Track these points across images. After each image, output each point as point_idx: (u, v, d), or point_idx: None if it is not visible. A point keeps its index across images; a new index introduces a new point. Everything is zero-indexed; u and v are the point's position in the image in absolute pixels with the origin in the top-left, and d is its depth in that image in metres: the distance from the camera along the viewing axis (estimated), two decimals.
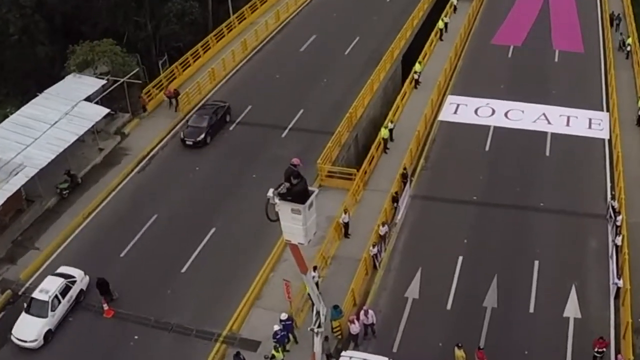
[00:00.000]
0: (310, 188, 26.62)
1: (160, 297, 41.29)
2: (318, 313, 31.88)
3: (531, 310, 39.35)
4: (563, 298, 39.90)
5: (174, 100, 60.33)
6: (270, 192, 26.07)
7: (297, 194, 25.89)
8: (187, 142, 55.09)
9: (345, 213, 44.86)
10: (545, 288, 40.72)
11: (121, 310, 40.46)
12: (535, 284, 40.99)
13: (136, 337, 38.89)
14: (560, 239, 44.83)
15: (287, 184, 25.85)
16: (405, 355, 36.91)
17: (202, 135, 55.03)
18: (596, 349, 35.50)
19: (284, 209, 26.29)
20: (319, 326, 31.91)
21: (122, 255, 44.67)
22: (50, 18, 69.25)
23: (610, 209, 45.32)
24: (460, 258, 43.08)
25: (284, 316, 36.74)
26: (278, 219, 26.79)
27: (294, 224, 26.59)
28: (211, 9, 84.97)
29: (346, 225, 45.06)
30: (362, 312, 37.49)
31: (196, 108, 59.77)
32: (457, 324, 38.64)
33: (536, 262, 42.52)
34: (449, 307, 39.89)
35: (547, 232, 45.37)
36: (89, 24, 71.20)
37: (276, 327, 36.08)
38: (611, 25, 75.61)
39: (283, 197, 26.01)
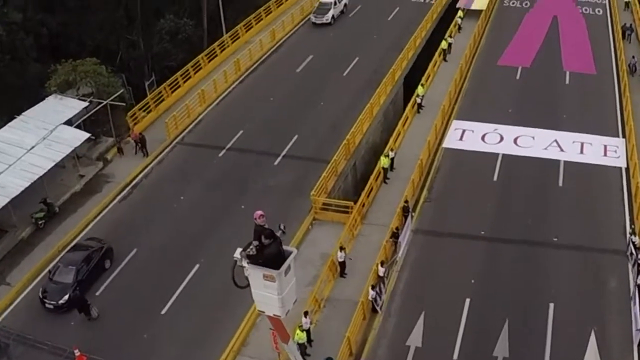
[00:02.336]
0: (287, 248, 22.57)
1: (136, 341, 37.62)
2: None
3: (547, 359, 35.54)
4: (582, 345, 36.17)
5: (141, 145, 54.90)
6: (237, 253, 22.09)
7: (270, 258, 21.89)
8: (47, 305, 39.97)
9: (342, 251, 41.11)
10: (562, 334, 36.96)
11: (94, 356, 36.54)
12: (550, 330, 37.23)
13: None
14: (577, 278, 41.14)
15: (257, 243, 21.85)
16: None
17: (66, 297, 39.71)
18: None
19: (255, 275, 22.29)
20: None
21: (97, 293, 41.14)
22: (37, 35, 66.16)
23: (631, 245, 41.87)
24: (468, 301, 39.31)
25: None
26: (248, 285, 22.79)
27: (267, 292, 22.54)
28: (206, 27, 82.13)
29: (342, 264, 41.31)
30: None
31: (65, 250, 44.26)
32: None
33: (551, 305, 38.77)
34: (455, 356, 36.02)
35: (563, 271, 41.66)
36: (77, 41, 68.06)
37: None
38: (623, 37, 73.25)
39: (253, 260, 21.99)
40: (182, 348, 37.17)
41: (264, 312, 23.31)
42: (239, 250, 22.04)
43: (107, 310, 39.71)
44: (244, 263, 22.02)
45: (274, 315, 23.20)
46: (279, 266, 21.81)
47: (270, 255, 21.66)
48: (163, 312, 39.58)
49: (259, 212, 22.08)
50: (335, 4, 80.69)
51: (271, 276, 21.88)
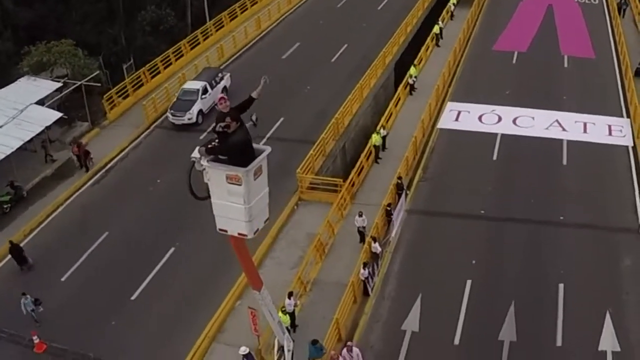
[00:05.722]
0: (258, 146, 18.33)
1: (102, 329, 34.27)
2: (281, 348, 23.22)
3: (559, 343, 32.26)
4: (597, 327, 32.92)
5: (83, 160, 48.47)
6: (195, 152, 17.87)
7: (235, 148, 17.29)
8: None
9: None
10: (574, 316, 33.73)
11: (55, 344, 33.48)
12: (561, 312, 33.97)
13: None
14: (588, 258, 37.93)
15: (223, 125, 17.40)
16: None
17: None
18: None
19: (216, 179, 17.87)
20: None
21: (63, 279, 37.92)
22: (15, 29, 63.16)
23: None
24: (469, 282, 35.96)
25: (243, 350, 29.35)
26: (209, 196, 18.42)
27: (231, 201, 17.85)
28: (190, 21, 79.12)
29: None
30: (344, 350, 30.07)
31: None
32: None
33: (561, 286, 35.51)
34: (456, 341, 32.71)
35: (571, 250, 38.47)
36: (56, 35, 64.97)
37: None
38: (618, 12, 72.73)
39: (213, 153, 17.48)
40: (152, 335, 33.90)
41: (225, 231, 18.62)
42: (198, 148, 17.78)
43: (73, 296, 36.54)
44: (203, 162, 17.63)
45: (239, 234, 18.52)
46: (248, 163, 17.50)
47: (237, 145, 17.07)
48: (133, 297, 36.36)
49: (220, 95, 17.70)
50: (204, 92, 54.05)
51: (236, 177, 17.19)
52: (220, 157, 17.47)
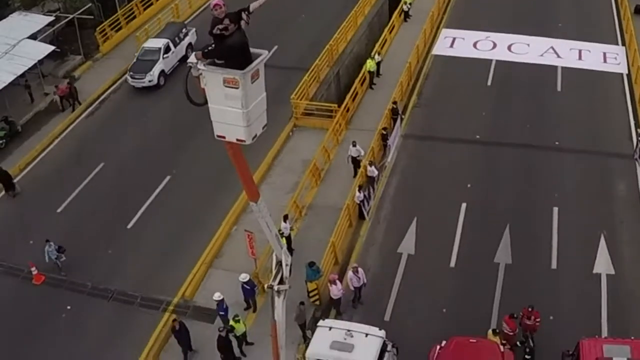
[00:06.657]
0: (256, 50, 17.82)
1: (99, 258, 34.49)
2: (279, 263, 22.69)
3: (553, 266, 32.47)
4: (591, 251, 33.10)
5: (67, 101, 47.30)
6: (192, 57, 17.33)
7: (233, 50, 16.68)
8: None
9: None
10: (569, 239, 33.87)
11: (53, 274, 33.55)
12: (556, 235, 34.11)
13: (69, 307, 32.19)
14: (582, 182, 38.05)
15: (221, 28, 16.72)
16: (400, 325, 29.81)
17: None
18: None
19: (214, 83, 17.33)
20: (281, 282, 22.66)
21: (59, 210, 38.01)
22: None
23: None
24: (464, 205, 36.14)
25: (243, 277, 29.45)
26: (206, 102, 17.97)
27: (228, 106, 17.50)
28: None
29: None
30: (350, 271, 30.29)
31: None
32: (464, 285, 31.82)
33: (555, 209, 35.63)
34: (452, 264, 32.96)
35: (566, 175, 38.57)
36: None
37: (217, 297, 29.07)
38: None
39: (210, 56, 16.22)
40: (149, 262, 34.08)
41: (223, 137, 18.04)
42: (195, 52, 17.34)
43: (69, 227, 36.55)
44: (200, 66, 17.12)
45: (237, 140, 18.04)
46: (245, 65, 17.09)
47: (234, 47, 16.62)
48: (129, 226, 36.55)
49: (215, 1, 16.94)
50: (166, 51, 49.51)
51: (234, 80, 16.57)
52: (217, 61, 16.96)
